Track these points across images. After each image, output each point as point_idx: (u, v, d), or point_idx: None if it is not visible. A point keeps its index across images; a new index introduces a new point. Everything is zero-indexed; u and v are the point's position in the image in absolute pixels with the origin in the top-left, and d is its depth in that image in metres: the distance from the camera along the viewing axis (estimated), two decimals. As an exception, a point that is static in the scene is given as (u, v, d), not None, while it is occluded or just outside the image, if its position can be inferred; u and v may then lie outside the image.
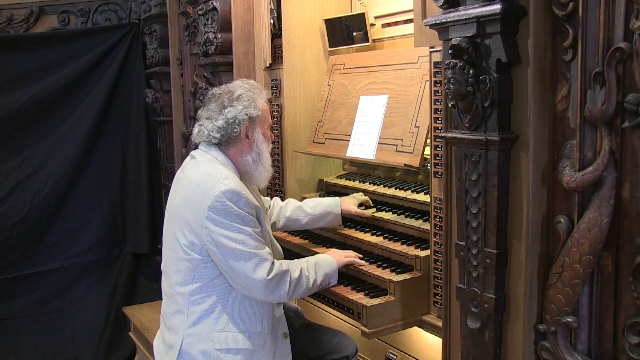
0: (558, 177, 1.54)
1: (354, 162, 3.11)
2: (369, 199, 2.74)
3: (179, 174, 2.28)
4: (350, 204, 2.67)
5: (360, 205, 2.72)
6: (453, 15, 1.64)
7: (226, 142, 2.21)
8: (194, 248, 2.10)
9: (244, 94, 2.22)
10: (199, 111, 2.29)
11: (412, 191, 2.60)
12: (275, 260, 2.13)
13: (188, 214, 2.10)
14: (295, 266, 2.20)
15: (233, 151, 2.23)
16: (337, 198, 2.70)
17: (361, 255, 2.48)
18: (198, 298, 2.12)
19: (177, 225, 2.15)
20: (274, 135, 3.11)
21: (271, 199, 2.69)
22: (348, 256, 2.43)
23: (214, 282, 2.12)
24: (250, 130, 2.22)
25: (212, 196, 2.04)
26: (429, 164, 2.27)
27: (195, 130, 2.27)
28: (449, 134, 1.77)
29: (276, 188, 3.20)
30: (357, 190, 2.85)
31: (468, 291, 1.77)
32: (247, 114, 2.19)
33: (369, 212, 2.66)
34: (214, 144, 2.22)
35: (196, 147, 2.30)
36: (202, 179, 2.11)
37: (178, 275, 2.15)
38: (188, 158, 2.29)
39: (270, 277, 2.07)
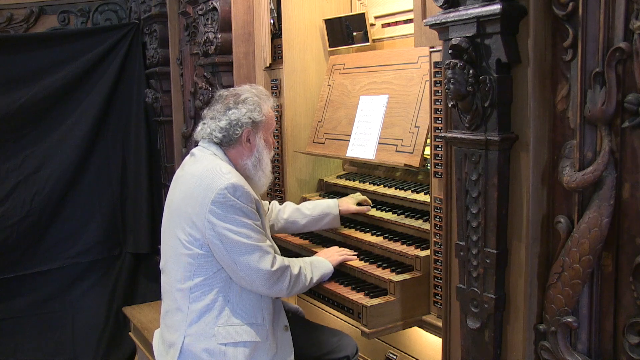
0: (558, 177, 1.54)
1: (354, 162, 3.11)
2: (367, 198, 2.74)
3: (178, 172, 2.29)
4: (349, 203, 2.68)
5: (359, 204, 2.71)
6: (453, 15, 1.64)
7: (227, 143, 2.22)
8: (195, 243, 2.10)
9: (250, 98, 2.24)
10: (205, 111, 2.31)
11: (412, 191, 2.60)
12: (276, 255, 2.16)
13: (190, 208, 2.10)
14: (294, 263, 2.23)
15: (233, 153, 2.24)
16: (336, 199, 2.70)
17: (355, 253, 2.52)
18: (198, 294, 2.12)
19: (177, 221, 2.15)
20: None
21: (269, 202, 2.69)
22: (341, 254, 2.47)
23: (215, 275, 2.13)
24: (252, 134, 2.24)
25: (215, 190, 2.05)
26: (429, 164, 2.27)
27: (198, 128, 2.29)
28: (449, 134, 1.77)
29: (276, 188, 3.19)
30: (357, 190, 2.85)
31: (468, 291, 1.77)
32: (250, 118, 2.21)
33: (368, 206, 2.68)
34: (214, 142, 2.23)
35: (196, 145, 2.31)
36: (203, 173, 2.12)
37: (178, 272, 2.16)
38: (187, 156, 2.30)
39: (274, 269, 2.10)
